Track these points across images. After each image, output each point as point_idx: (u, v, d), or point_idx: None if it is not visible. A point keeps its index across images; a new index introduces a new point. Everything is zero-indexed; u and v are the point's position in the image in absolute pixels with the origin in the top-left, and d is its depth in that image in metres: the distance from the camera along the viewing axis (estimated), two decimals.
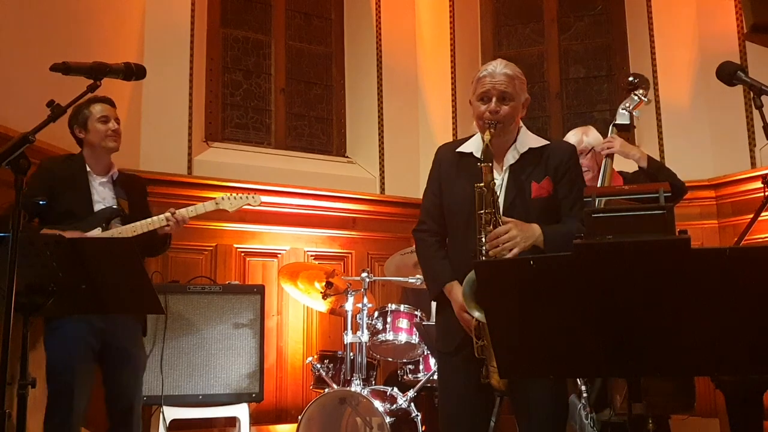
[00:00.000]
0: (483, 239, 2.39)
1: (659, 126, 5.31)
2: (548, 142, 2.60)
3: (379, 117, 5.70)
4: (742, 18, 5.00)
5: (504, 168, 2.55)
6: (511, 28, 6.23)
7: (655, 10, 5.44)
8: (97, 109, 3.23)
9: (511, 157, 2.55)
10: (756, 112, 2.30)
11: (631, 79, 3.47)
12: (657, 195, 1.80)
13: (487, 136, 2.41)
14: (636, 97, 3.41)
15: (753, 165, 4.96)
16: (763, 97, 2.26)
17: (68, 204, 3.14)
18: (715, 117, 5.14)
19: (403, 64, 5.82)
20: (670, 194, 1.84)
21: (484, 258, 2.35)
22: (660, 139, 5.30)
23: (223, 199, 3.55)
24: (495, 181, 2.48)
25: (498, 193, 2.47)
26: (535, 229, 2.41)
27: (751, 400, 2.63)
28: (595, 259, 1.63)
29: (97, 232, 3.12)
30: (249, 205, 3.63)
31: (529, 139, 2.59)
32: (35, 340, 3.47)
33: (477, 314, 2.32)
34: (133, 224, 3.20)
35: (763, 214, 3.09)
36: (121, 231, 3.17)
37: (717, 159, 5.10)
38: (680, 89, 5.30)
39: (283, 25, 5.82)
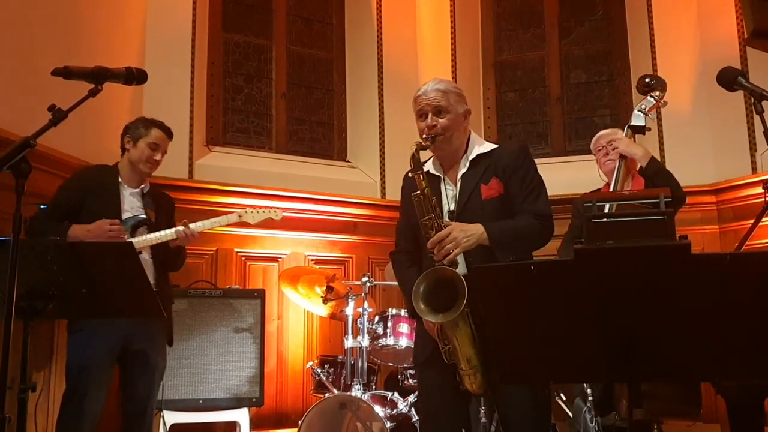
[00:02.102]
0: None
1: (660, 131, 5.31)
2: (497, 146, 2.68)
3: (379, 121, 5.70)
4: (742, 23, 5.01)
5: (457, 178, 2.64)
6: (511, 32, 6.23)
7: (656, 15, 5.44)
8: (155, 135, 3.36)
9: (462, 167, 2.64)
10: (757, 118, 2.31)
11: (647, 80, 3.44)
12: (657, 200, 1.80)
13: (413, 147, 2.52)
14: (652, 99, 3.38)
15: (754, 170, 4.96)
16: (764, 103, 2.26)
17: (97, 210, 3.22)
18: (716, 122, 5.14)
19: (404, 68, 5.82)
20: (670, 199, 1.84)
21: (436, 264, 2.42)
22: (661, 144, 5.30)
23: (246, 212, 3.64)
24: (451, 190, 2.61)
25: (454, 202, 2.58)
26: (477, 227, 2.47)
27: (753, 405, 2.62)
28: (596, 265, 1.63)
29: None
30: (271, 218, 3.70)
31: (477, 147, 2.67)
32: (45, 344, 3.53)
33: (422, 307, 2.36)
34: (146, 236, 3.25)
35: (764, 219, 3.08)
36: (144, 239, 3.23)
37: (718, 164, 5.10)
38: (681, 94, 5.29)
39: (284, 30, 5.83)
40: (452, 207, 2.59)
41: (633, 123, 3.36)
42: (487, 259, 2.46)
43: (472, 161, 2.63)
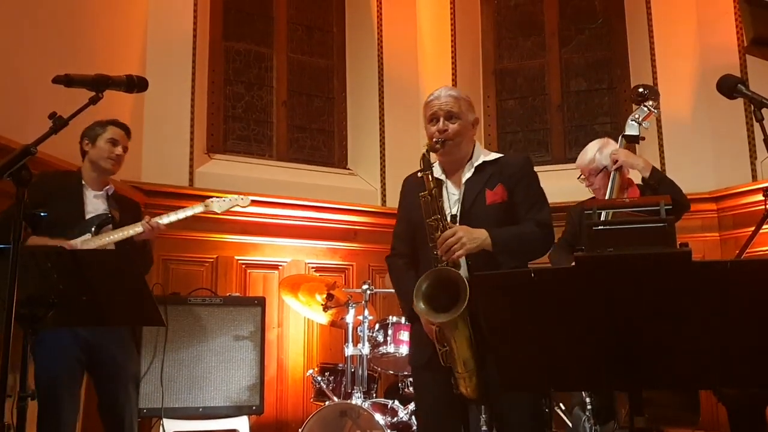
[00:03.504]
0: (435, 246, 2.48)
1: (660, 139, 5.31)
2: (502, 155, 2.73)
3: (380, 129, 5.71)
4: (742, 31, 5.02)
5: (462, 183, 2.67)
6: (512, 41, 6.25)
7: (656, 23, 5.46)
8: (111, 131, 3.32)
9: (467, 172, 2.68)
10: (757, 125, 2.31)
11: (641, 90, 3.48)
12: (658, 208, 1.80)
13: (423, 147, 2.56)
14: (646, 109, 3.42)
15: (754, 178, 4.96)
16: (764, 110, 2.26)
17: (60, 213, 3.14)
18: (716, 130, 5.14)
19: (405, 76, 5.83)
20: (670, 207, 1.84)
21: (440, 264, 2.44)
22: (661, 151, 5.30)
23: (212, 201, 3.57)
24: (454, 194, 2.64)
25: (457, 206, 2.61)
26: (482, 231, 2.50)
27: (753, 413, 2.62)
28: (596, 272, 1.63)
29: (87, 237, 3.15)
30: (238, 206, 3.63)
31: (483, 154, 2.72)
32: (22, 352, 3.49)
33: (422, 307, 2.37)
34: (109, 232, 3.21)
35: (764, 226, 3.09)
36: (110, 237, 3.19)
37: (718, 172, 5.10)
38: (681, 102, 5.30)
39: (285, 38, 5.84)
40: (454, 211, 2.62)
41: (627, 132, 3.39)
42: (490, 264, 2.48)
43: (477, 167, 2.67)
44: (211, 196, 4.78)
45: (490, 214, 2.59)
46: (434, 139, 2.60)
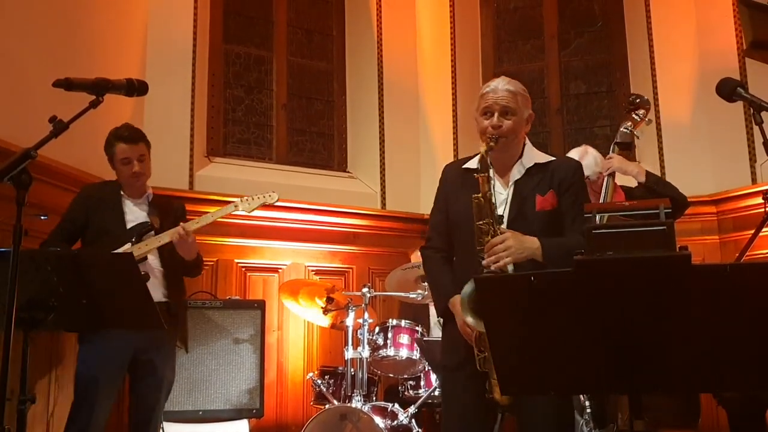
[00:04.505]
0: (482, 250, 2.41)
1: (660, 142, 5.32)
2: (554, 158, 2.63)
3: (380, 132, 5.71)
4: (741, 34, 5.02)
5: (510, 183, 2.57)
6: (511, 44, 6.25)
7: (655, 27, 5.46)
8: (119, 150, 3.28)
9: (516, 173, 2.58)
10: (756, 128, 2.31)
11: (632, 98, 3.53)
12: (657, 211, 1.80)
13: (483, 147, 2.45)
14: (637, 117, 3.48)
15: (754, 181, 4.96)
16: (763, 113, 2.26)
17: (102, 223, 3.24)
18: (716, 133, 5.15)
19: (404, 79, 5.84)
20: (670, 210, 1.84)
21: (483, 269, 2.36)
22: (661, 155, 5.31)
23: (241, 201, 3.52)
24: (501, 194, 2.53)
25: (505, 207, 2.51)
26: (534, 241, 2.41)
27: (754, 416, 2.62)
28: (596, 275, 1.63)
29: (127, 247, 3.17)
30: (266, 203, 3.55)
31: (534, 155, 2.61)
32: (67, 354, 3.54)
33: (471, 321, 2.32)
34: (149, 240, 3.23)
35: (764, 229, 3.08)
36: (147, 243, 3.21)
37: (718, 175, 5.11)
38: (680, 105, 5.31)
39: (285, 41, 5.85)
40: (500, 211, 2.50)
41: (619, 140, 3.46)
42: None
43: (528, 169, 2.57)
44: (211, 199, 4.82)
45: (538, 221, 2.49)
46: (488, 136, 2.49)
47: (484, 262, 2.38)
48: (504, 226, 2.47)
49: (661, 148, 5.31)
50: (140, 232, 3.25)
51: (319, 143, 5.89)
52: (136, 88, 2.45)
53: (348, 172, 5.83)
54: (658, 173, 5.24)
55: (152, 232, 3.26)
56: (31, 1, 3.80)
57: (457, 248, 2.63)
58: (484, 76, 6.17)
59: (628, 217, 1.88)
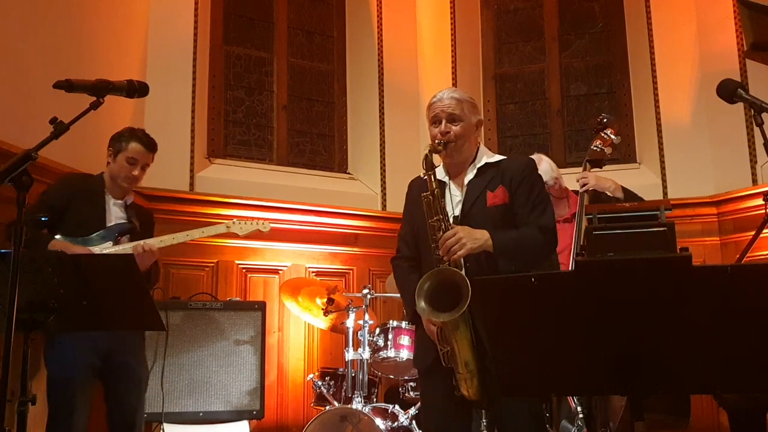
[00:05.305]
0: (437, 246, 2.50)
1: (660, 143, 5.32)
2: (504, 158, 2.75)
3: (380, 133, 5.71)
4: (742, 36, 5.02)
5: (464, 184, 2.68)
6: (512, 45, 6.26)
7: (656, 28, 5.47)
8: (132, 149, 3.29)
9: (470, 174, 2.69)
10: (757, 130, 2.31)
11: (600, 119, 3.65)
12: (658, 212, 1.80)
13: (426, 149, 2.59)
14: (606, 136, 3.58)
15: (754, 182, 4.96)
16: (764, 115, 2.26)
17: (83, 216, 3.21)
18: (716, 134, 5.15)
19: (405, 81, 5.84)
20: (671, 210, 1.84)
21: (441, 264, 2.46)
22: (661, 156, 5.31)
23: (234, 223, 3.60)
24: (456, 196, 2.66)
25: (459, 207, 2.63)
26: (483, 233, 2.51)
27: (754, 418, 2.62)
28: (596, 277, 1.63)
29: (108, 245, 3.17)
30: (260, 231, 3.66)
31: (486, 156, 2.74)
32: (36, 356, 3.49)
33: (423, 306, 2.38)
34: (125, 243, 3.23)
35: (764, 231, 3.08)
36: (123, 248, 3.20)
37: (718, 176, 5.11)
38: (681, 107, 5.31)
39: (285, 43, 5.85)
40: (456, 212, 2.63)
41: (589, 158, 3.55)
42: (489, 267, 2.51)
43: (479, 169, 2.68)
44: (212, 201, 4.83)
45: (491, 216, 2.59)
46: (436, 141, 2.63)
47: (443, 257, 2.46)
48: (457, 223, 2.57)
49: (661, 150, 5.31)
50: (122, 232, 3.25)
51: (320, 144, 5.89)
52: (136, 90, 2.45)
53: (348, 173, 5.83)
54: (659, 174, 5.26)
55: (129, 235, 3.27)
56: (33, 2, 3.80)
57: (423, 252, 2.72)
58: (484, 78, 6.18)
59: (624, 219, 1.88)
